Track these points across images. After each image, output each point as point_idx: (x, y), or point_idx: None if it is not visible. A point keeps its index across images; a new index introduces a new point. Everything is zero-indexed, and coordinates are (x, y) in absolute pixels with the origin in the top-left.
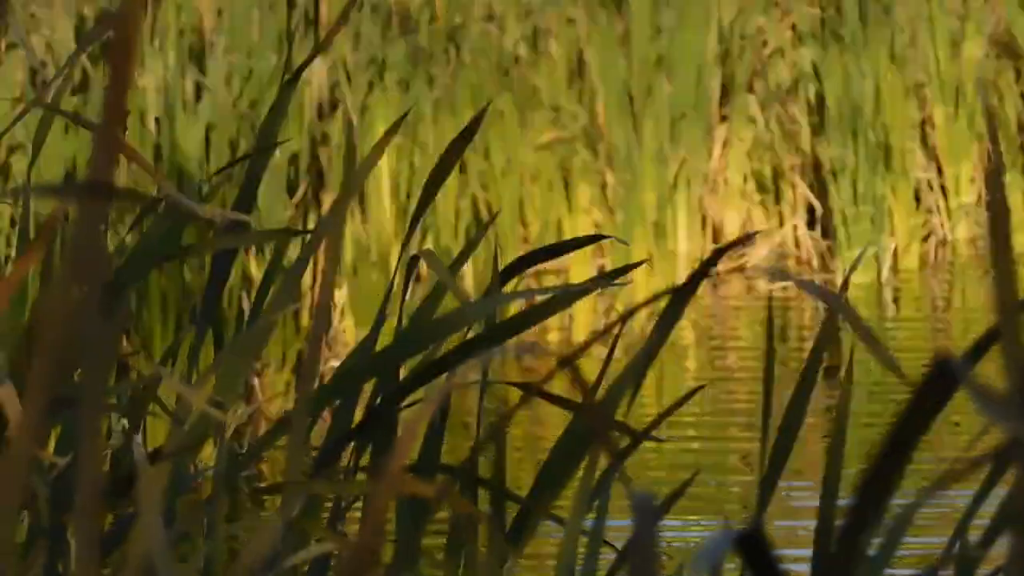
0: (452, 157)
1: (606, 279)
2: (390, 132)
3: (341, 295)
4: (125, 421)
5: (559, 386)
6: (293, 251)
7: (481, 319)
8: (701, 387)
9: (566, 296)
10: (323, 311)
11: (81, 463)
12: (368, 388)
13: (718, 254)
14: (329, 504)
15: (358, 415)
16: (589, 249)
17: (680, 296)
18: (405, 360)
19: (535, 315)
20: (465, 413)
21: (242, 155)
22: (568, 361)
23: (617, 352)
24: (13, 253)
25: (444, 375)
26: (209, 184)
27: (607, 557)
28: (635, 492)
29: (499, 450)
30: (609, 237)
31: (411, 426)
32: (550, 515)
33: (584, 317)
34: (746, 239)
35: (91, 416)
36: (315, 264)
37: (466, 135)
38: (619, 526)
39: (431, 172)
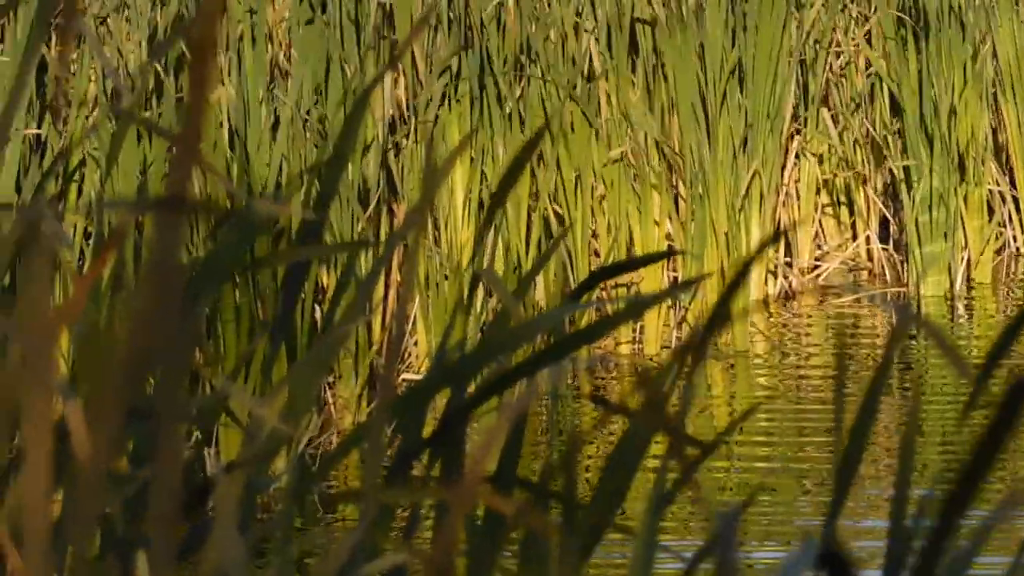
0: (518, 167)
1: (677, 290)
2: (463, 143)
3: (413, 307)
4: (198, 433)
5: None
6: (364, 263)
7: (552, 331)
8: (758, 404)
9: (637, 307)
10: (400, 322)
11: (157, 475)
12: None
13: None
14: (402, 516)
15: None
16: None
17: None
18: (477, 372)
19: (606, 326)
20: (531, 426)
21: (314, 166)
22: (646, 379)
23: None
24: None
25: (515, 386)
26: (283, 195)
27: (666, 569)
28: (716, 507)
29: (570, 464)
30: (680, 252)
31: (487, 438)
32: (620, 527)
33: (655, 328)
34: (774, 239)
35: (168, 428)
36: (386, 275)
37: (531, 146)
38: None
39: (499, 183)
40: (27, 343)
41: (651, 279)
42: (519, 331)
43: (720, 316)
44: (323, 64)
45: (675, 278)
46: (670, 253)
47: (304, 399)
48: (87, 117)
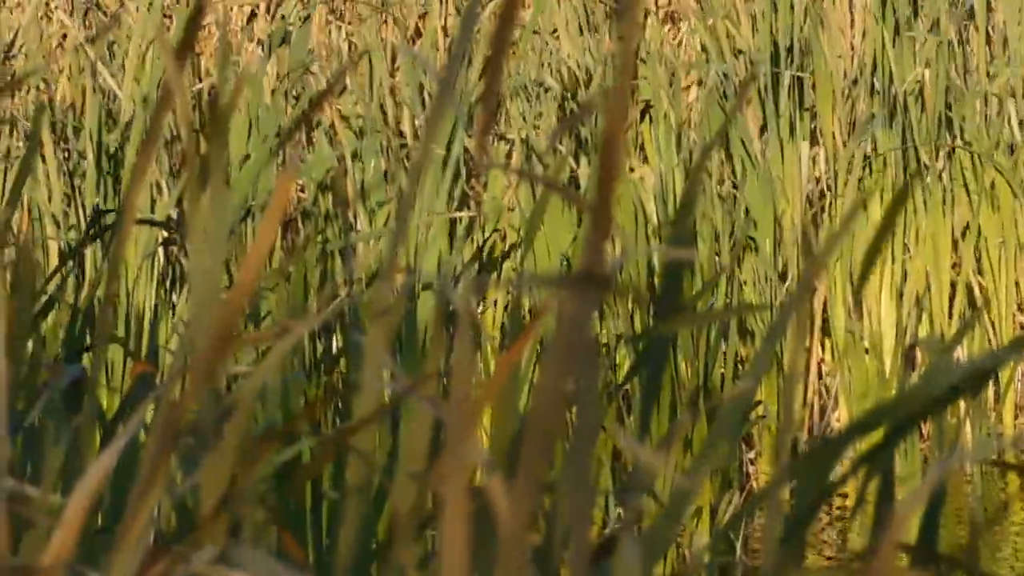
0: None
1: None
2: (892, 214)
3: (835, 383)
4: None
5: None
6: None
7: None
8: None
9: None
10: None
11: (573, 548)
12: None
13: None
14: None
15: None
16: None
17: None
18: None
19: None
20: (955, 496)
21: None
22: None
23: None
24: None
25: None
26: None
27: None
28: None
29: (988, 539)
30: None
31: (906, 505)
32: None
33: None
34: None
35: (580, 504)
36: (808, 351)
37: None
38: None
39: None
40: (451, 420)
41: None
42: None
43: None
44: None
45: None
46: None
47: (720, 464)
48: (506, 186)
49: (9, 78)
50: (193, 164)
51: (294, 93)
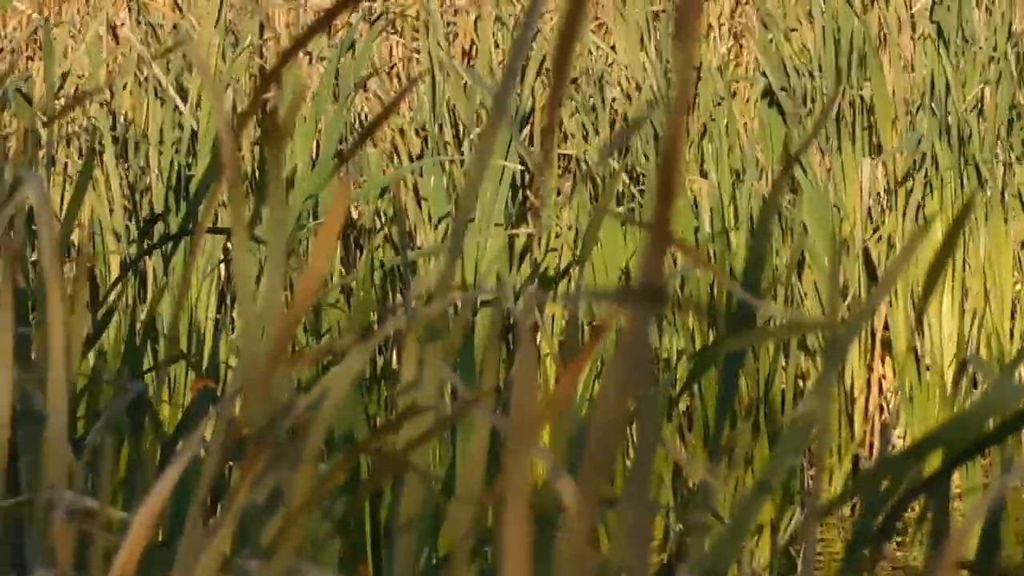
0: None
1: None
2: (954, 231)
3: (896, 398)
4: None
5: None
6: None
7: None
8: None
9: None
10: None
11: (631, 563)
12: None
13: None
14: None
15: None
16: None
17: None
18: (953, 450)
19: None
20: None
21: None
22: None
23: None
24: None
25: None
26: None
27: None
28: None
29: None
30: None
31: (966, 522)
32: None
33: None
34: None
35: (639, 519)
36: (869, 368)
37: (962, 216)
38: None
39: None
40: (513, 432)
41: None
42: (989, 407)
43: None
44: (779, 150)
45: None
46: None
47: (780, 482)
48: (557, 202)
49: (73, 95)
50: (234, 178)
51: (357, 111)
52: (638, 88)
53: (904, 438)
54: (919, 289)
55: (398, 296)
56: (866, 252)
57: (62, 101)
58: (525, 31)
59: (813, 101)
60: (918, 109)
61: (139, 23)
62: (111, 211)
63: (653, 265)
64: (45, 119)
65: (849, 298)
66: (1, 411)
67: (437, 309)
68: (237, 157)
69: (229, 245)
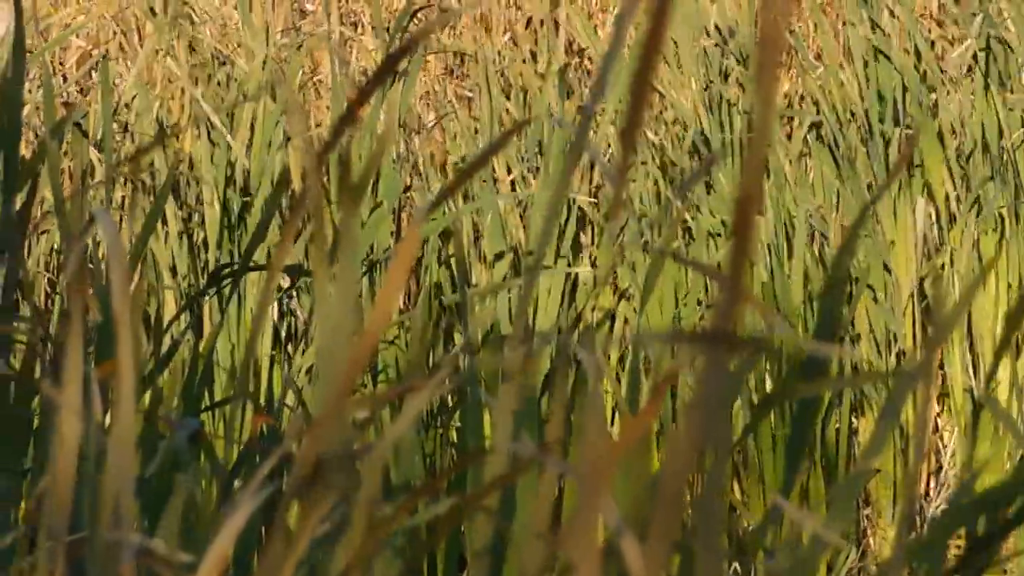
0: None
1: None
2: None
3: (951, 438)
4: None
5: None
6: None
7: None
8: None
9: None
10: (921, 449)
11: None
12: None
13: None
14: None
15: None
16: None
17: None
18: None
19: None
20: None
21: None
22: None
23: None
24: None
25: None
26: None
27: None
28: None
29: None
30: None
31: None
32: None
33: None
34: None
35: (709, 564)
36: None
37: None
38: None
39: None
40: (581, 479)
41: None
42: None
43: None
44: (831, 189)
45: None
46: None
47: (840, 526)
48: (616, 242)
49: (135, 150)
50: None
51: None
52: (684, 127)
53: (957, 474)
54: (977, 330)
55: (455, 333)
56: (920, 290)
57: (117, 138)
58: (603, 73)
59: (863, 141)
60: (969, 156)
61: (189, 57)
62: (168, 248)
63: (729, 312)
64: (102, 158)
65: (902, 339)
66: (68, 453)
67: (512, 357)
68: (322, 201)
69: (282, 283)
